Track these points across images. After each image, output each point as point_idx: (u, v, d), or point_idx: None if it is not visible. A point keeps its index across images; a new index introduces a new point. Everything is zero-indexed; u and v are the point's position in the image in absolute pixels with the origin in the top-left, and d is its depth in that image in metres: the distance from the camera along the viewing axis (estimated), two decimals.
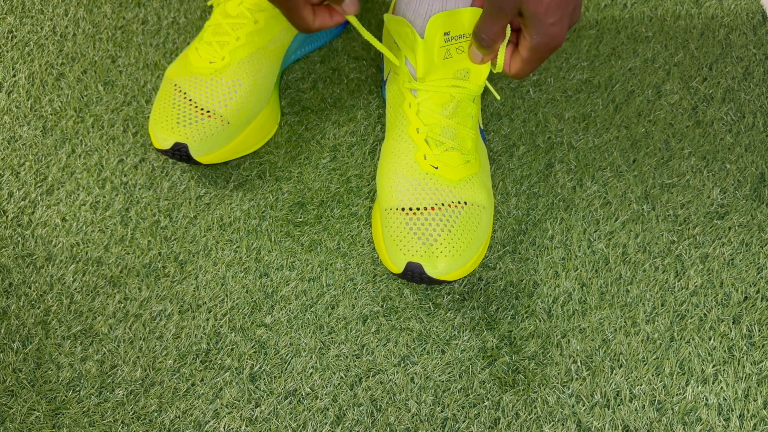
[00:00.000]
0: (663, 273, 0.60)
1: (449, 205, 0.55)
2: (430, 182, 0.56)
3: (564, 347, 0.57)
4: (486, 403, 0.55)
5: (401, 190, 0.56)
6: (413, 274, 0.54)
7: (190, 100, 0.60)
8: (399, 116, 0.59)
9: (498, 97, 0.59)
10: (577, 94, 0.69)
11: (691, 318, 0.59)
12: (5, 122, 0.67)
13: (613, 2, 0.75)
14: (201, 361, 0.57)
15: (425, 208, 0.55)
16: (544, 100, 0.69)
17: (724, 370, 0.57)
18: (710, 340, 0.58)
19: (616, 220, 0.63)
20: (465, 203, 0.56)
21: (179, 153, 0.59)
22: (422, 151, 0.57)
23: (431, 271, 0.53)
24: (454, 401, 0.55)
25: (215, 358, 0.57)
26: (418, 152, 0.57)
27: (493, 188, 0.64)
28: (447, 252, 0.54)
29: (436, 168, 0.56)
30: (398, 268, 0.54)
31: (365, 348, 0.57)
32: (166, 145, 0.58)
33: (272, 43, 0.64)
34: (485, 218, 0.57)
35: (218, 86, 0.60)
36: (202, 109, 0.59)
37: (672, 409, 0.55)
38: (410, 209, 0.55)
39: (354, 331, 0.58)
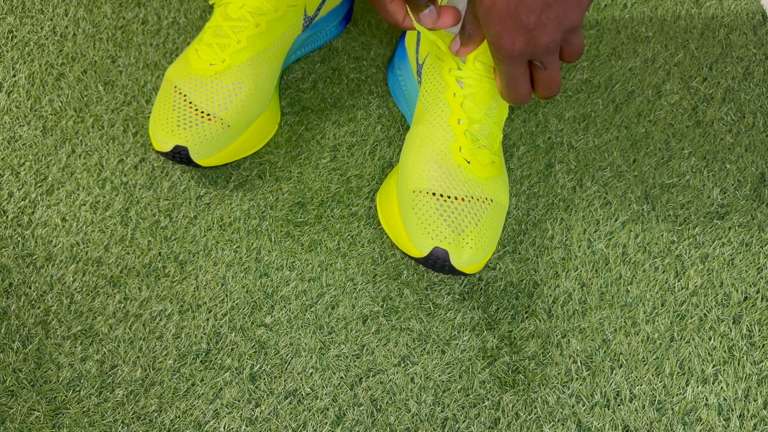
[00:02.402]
0: (663, 273, 0.60)
1: (478, 200, 0.55)
2: (461, 174, 0.56)
3: (564, 347, 0.57)
4: (486, 403, 0.55)
5: (434, 176, 0.56)
6: (437, 260, 0.53)
7: (190, 102, 0.60)
8: (438, 103, 0.59)
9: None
10: (577, 94, 0.69)
11: (691, 318, 0.59)
12: (5, 122, 0.67)
13: (613, 2, 0.75)
14: (201, 361, 0.57)
15: (456, 198, 0.55)
16: (544, 100, 0.69)
17: (724, 370, 0.57)
18: (710, 340, 0.58)
19: (616, 220, 0.63)
20: (491, 201, 0.56)
21: (179, 156, 0.59)
22: (459, 142, 0.57)
23: (456, 261, 0.53)
24: (454, 401, 0.55)
25: (215, 358, 0.57)
26: (455, 143, 0.57)
27: None
28: (473, 244, 0.54)
29: (469, 162, 0.56)
30: (422, 252, 0.54)
31: (365, 348, 0.57)
32: (167, 147, 0.58)
33: (273, 46, 0.64)
34: (504, 219, 0.58)
35: (218, 89, 0.60)
36: (202, 112, 0.59)
37: (672, 409, 0.55)
38: (441, 195, 0.55)
39: (354, 331, 0.58)
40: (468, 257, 0.53)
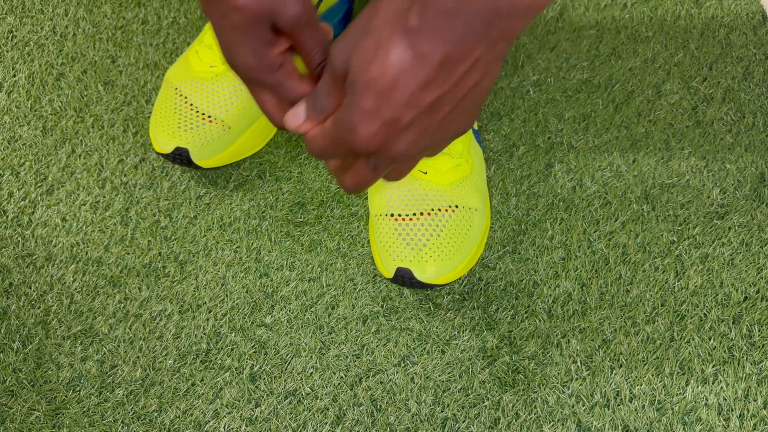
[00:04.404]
0: (663, 273, 0.60)
1: (439, 210, 0.56)
2: (420, 188, 0.56)
3: (564, 347, 0.57)
4: (486, 403, 0.55)
5: (390, 197, 0.56)
6: (403, 278, 0.54)
7: (191, 104, 0.60)
8: None
9: None
10: (577, 94, 0.69)
11: (691, 318, 0.59)
12: (5, 122, 0.67)
13: (613, 2, 0.75)
14: (201, 361, 0.57)
15: (414, 214, 0.55)
16: (544, 100, 0.69)
17: (724, 370, 0.57)
18: (710, 340, 0.58)
19: (616, 220, 0.63)
20: (456, 207, 0.56)
21: (180, 157, 0.59)
22: None
23: (421, 276, 0.54)
24: (454, 401, 0.55)
25: (215, 358, 0.57)
26: None
27: (493, 188, 0.64)
28: (436, 257, 0.54)
29: (425, 173, 0.56)
30: (389, 273, 0.55)
31: (365, 348, 0.57)
32: (167, 149, 0.58)
33: None
34: (477, 221, 0.57)
35: (219, 91, 0.60)
36: (203, 114, 0.59)
37: (672, 409, 0.55)
38: (399, 215, 0.56)
39: (354, 331, 0.58)
40: (434, 270, 0.54)
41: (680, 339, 0.58)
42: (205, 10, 0.38)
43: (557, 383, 0.56)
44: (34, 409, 0.55)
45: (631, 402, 0.55)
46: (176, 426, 0.54)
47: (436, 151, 0.39)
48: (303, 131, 0.39)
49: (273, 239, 0.62)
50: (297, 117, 0.39)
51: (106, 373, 0.56)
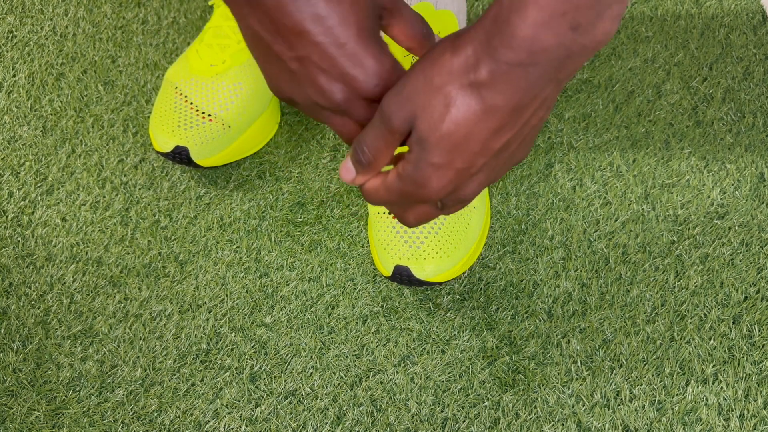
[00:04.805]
0: (663, 273, 0.60)
1: None
2: None
3: (564, 347, 0.57)
4: (486, 403, 0.55)
5: None
6: (402, 276, 0.54)
7: (191, 103, 0.60)
8: None
9: None
10: (577, 94, 0.69)
11: (691, 318, 0.59)
12: (5, 122, 0.67)
13: None
14: (201, 361, 0.57)
15: None
16: None
17: (724, 370, 0.57)
18: (710, 340, 0.58)
19: (616, 220, 0.63)
20: None
21: (180, 156, 0.59)
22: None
23: (419, 274, 0.54)
24: (454, 401, 0.55)
25: (215, 358, 0.57)
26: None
27: (493, 188, 0.64)
28: (434, 254, 0.54)
29: None
30: (387, 271, 0.55)
31: (365, 348, 0.57)
32: (167, 148, 0.58)
33: None
34: (476, 218, 0.57)
35: (219, 89, 0.60)
36: (203, 113, 0.59)
37: (672, 409, 0.55)
38: None
39: (354, 331, 0.58)
40: (432, 268, 0.54)
41: (680, 339, 0.58)
42: (302, 45, 0.34)
43: (557, 383, 0.56)
44: (34, 409, 0.55)
45: (631, 402, 0.55)
46: (176, 426, 0.54)
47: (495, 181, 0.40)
48: (357, 184, 0.39)
49: (273, 239, 0.62)
50: (349, 172, 0.39)
51: (106, 373, 0.56)
